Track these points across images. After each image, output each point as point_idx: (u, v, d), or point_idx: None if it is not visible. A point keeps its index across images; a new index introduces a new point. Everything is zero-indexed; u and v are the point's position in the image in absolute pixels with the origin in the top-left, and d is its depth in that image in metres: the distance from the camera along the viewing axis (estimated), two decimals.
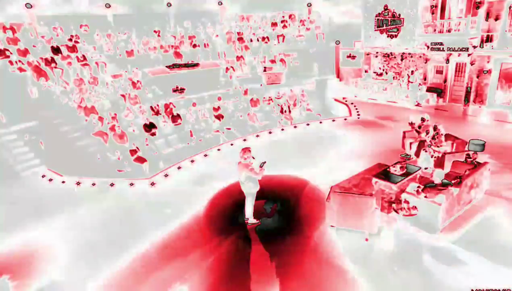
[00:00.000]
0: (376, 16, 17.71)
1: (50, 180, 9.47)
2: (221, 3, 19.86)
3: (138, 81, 13.66)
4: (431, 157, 8.48)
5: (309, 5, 20.18)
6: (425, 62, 16.56)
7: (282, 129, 13.18)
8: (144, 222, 7.22)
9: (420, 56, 16.64)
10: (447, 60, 15.59)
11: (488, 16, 13.72)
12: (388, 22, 17.27)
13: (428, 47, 15.83)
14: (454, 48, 14.83)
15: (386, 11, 17.21)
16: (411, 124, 9.69)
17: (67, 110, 11.38)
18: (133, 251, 6.19)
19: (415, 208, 5.80)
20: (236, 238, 6.45)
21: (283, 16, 19.86)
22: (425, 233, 6.06)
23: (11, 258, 6.27)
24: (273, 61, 17.26)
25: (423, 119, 9.51)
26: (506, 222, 6.36)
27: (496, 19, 13.59)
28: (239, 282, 5.32)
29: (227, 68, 16.14)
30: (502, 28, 13.58)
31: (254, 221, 6.81)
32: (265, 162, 6.43)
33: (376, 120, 13.84)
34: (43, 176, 9.68)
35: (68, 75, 12.68)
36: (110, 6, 17.08)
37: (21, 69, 11.82)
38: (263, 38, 18.56)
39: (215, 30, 18.44)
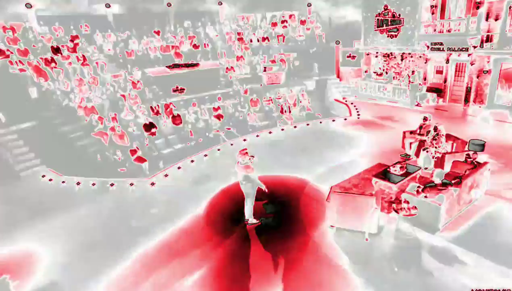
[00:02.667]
0: (376, 16, 17.70)
1: (50, 180, 9.47)
2: (221, 3, 19.87)
3: (138, 81, 13.67)
4: (432, 157, 8.48)
5: (309, 5, 20.18)
6: (425, 62, 16.56)
7: (282, 129, 13.18)
8: (144, 222, 7.22)
9: (420, 56, 16.64)
10: (447, 60, 15.60)
11: (488, 16, 13.72)
12: (388, 22, 17.25)
13: (428, 47, 15.83)
14: (454, 48, 14.83)
15: (386, 11, 17.20)
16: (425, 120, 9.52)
17: (67, 110, 11.39)
18: (133, 251, 6.19)
19: (415, 208, 5.79)
20: (236, 238, 6.45)
21: (283, 16, 19.86)
22: (425, 233, 6.07)
23: (11, 258, 6.27)
24: (273, 61, 17.27)
25: (425, 119, 9.50)
26: (506, 222, 6.35)
27: (496, 19, 13.58)
28: (239, 282, 5.32)
29: (227, 68, 16.15)
30: (502, 28, 13.58)
31: (254, 221, 6.81)
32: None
33: (376, 120, 13.83)
34: (43, 176, 9.68)
35: (68, 75, 12.69)
36: (110, 6, 17.09)
37: (21, 70, 11.83)
38: (263, 38, 18.56)
39: (215, 30, 18.45)
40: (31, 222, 7.42)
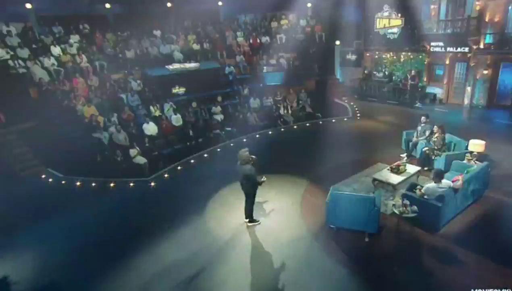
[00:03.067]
0: (376, 16, 17.66)
1: (50, 180, 9.46)
2: (221, 3, 19.84)
3: (138, 81, 13.65)
4: (432, 157, 8.49)
5: (309, 5, 20.14)
6: (425, 62, 16.56)
7: (282, 129, 13.17)
8: (144, 222, 7.22)
9: (420, 56, 16.63)
10: (447, 60, 15.59)
11: (488, 16, 13.71)
12: (389, 22, 17.22)
13: (428, 47, 15.82)
14: (454, 48, 14.80)
15: (386, 11, 17.17)
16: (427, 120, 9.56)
17: (67, 110, 11.37)
18: (133, 251, 6.19)
19: (415, 208, 5.80)
20: (236, 237, 6.45)
21: (283, 16, 19.83)
22: (425, 233, 6.07)
23: (11, 258, 6.27)
24: (273, 61, 17.24)
25: (425, 118, 9.49)
26: (506, 222, 6.36)
27: (496, 19, 13.59)
28: (239, 281, 5.32)
29: (227, 68, 16.13)
30: (502, 28, 13.58)
31: (255, 221, 6.81)
32: (264, 181, 6.56)
33: (376, 120, 13.84)
34: (43, 176, 9.67)
35: (68, 75, 12.67)
36: (110, 5, 17.08)
37: (21, 70, 11.82)
38: (264, 38, 18.53)
39: (216, 30, 18.42)
40: (31, 222, 7.41)
